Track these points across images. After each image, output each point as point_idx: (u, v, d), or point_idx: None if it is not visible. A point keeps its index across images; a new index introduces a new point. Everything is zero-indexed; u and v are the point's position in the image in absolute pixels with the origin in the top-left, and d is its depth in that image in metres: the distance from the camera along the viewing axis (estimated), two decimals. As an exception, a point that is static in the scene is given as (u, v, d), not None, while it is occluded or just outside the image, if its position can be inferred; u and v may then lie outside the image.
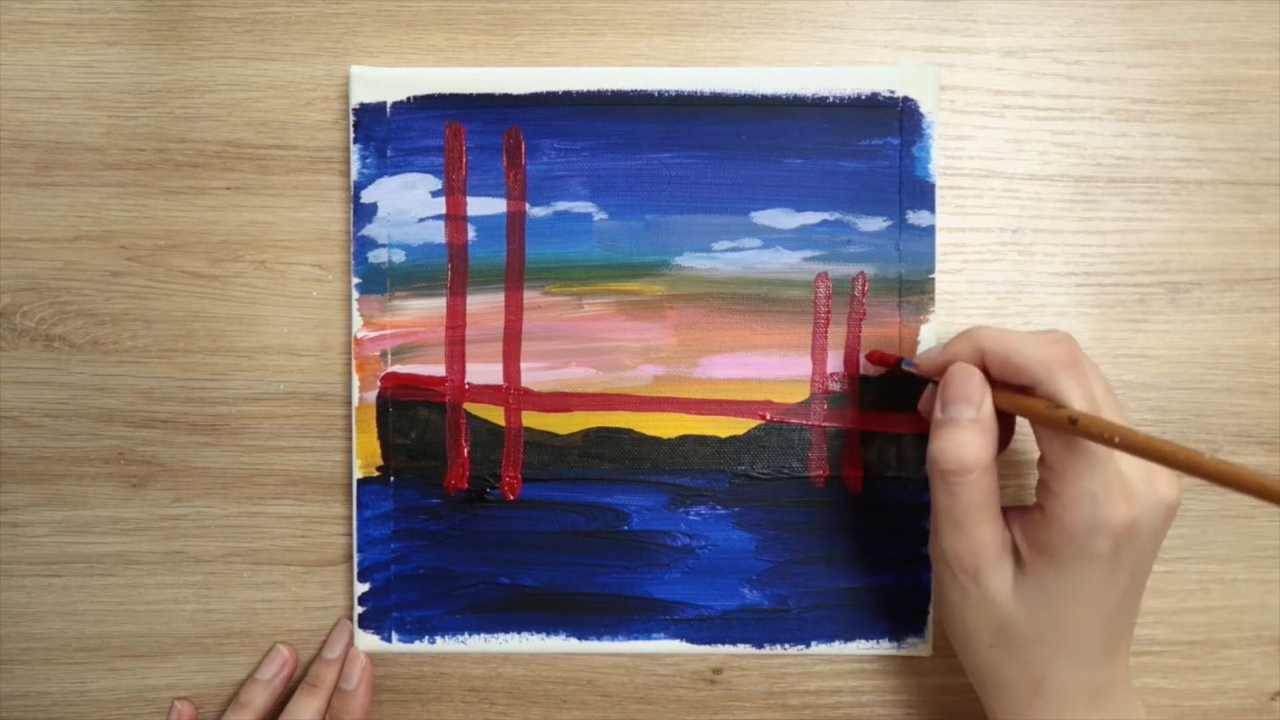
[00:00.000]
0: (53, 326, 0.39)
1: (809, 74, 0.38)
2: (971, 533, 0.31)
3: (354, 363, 0.38)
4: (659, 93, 0.38)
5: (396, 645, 0.38)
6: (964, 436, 0.31)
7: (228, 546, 0.39)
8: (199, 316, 0.39)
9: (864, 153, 0.38)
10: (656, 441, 0.38)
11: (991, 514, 0.31)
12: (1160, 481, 0.30)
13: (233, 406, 0.38)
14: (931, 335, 0.38)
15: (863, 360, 0.38)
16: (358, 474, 0.38)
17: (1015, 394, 0.31)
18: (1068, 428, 0.29)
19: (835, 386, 0.38)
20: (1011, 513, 0.32)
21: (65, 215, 0.38)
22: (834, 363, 0.38)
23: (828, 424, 0.38)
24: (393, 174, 0.38)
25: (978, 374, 0.31)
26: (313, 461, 0.39)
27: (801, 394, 0.38)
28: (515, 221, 0.38)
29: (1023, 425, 0.36)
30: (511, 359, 0.38)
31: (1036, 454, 0.32)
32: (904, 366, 0.35)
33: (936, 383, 0.33)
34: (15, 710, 0.39)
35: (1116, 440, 0.27)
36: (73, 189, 0.38)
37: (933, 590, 0.33)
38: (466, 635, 0.38)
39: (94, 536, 0.39)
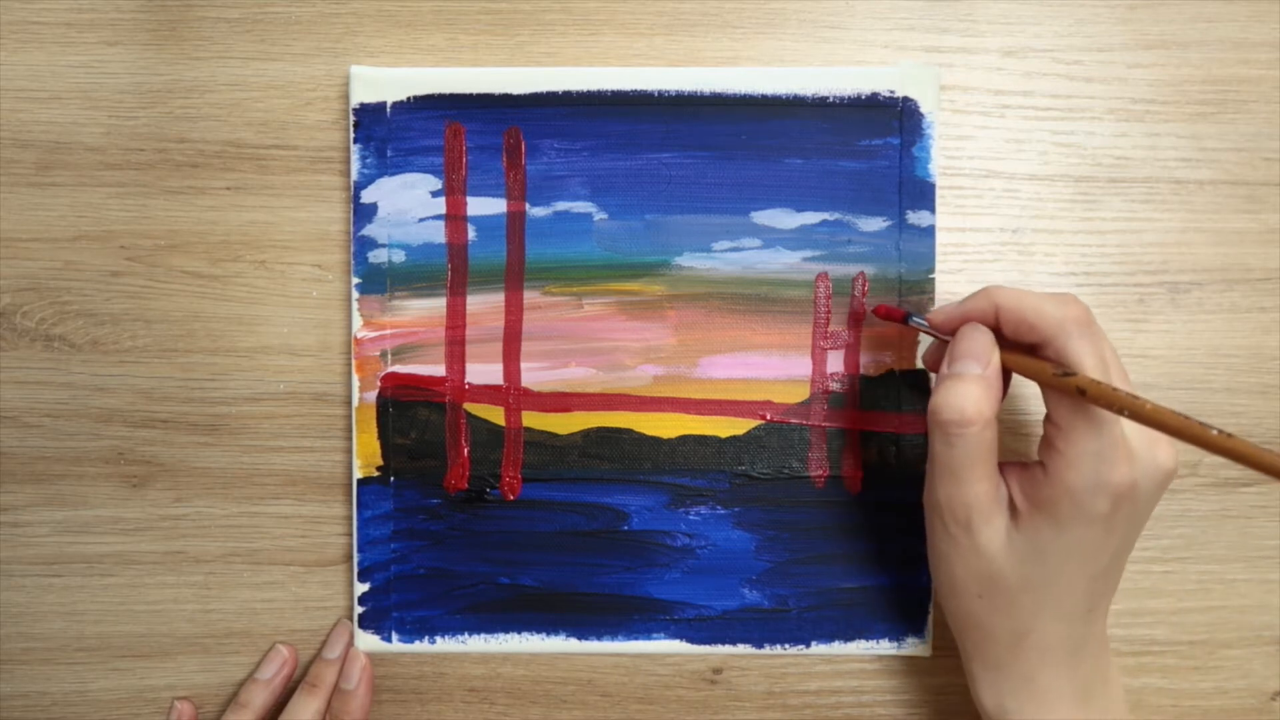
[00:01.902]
0: (53, 326, 0.39)
1: (809, 74, 0.38)
2: (967, 486, 0.31)
3: (354, 363, 0.38)
4: (659, 93, 0.38)
5: (396, 645, 0.38)
6: (968, 389, 0.31)
7: (228, 546, 0.39)
8: (199, 316, 0.39)
9: (864, 153, 0.38)
10: (656, 441, 0.38)
11: (988, 468, 0.31)
12: (1160, 448, 0.31)
13: (233, 406, 0.38)
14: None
15: (863, 360, 0.38)
16: (358, 474, 0.38)
17: (1024, 356, 0.31)
18: (1077, 396, 0.29)
19: (835, 386, 0.38)
20: (1010, 468, 0.32)
21: (65, 215, 0.38)
22: (834, 363, 0.38)
23: (828, 424, 0.38)
24: (393, 174, 0.38)
25: (989, 334, 0.32)
26: (313, 461, 0.39)
27: (801, 394, 0.38)
28: (515, 221, 0.38)
29: (1024, 385, 0.37)
30: (511, 359, 0.38)
31: (1038, 413, 0.32)
32: (912, 322, 0.35)
33: (940, 339, 0.34)
34: (15, 710, 0.39)
35: (1126, 412, 0.28)
36: (73, 189, 0.38)
37: (927, 540, 0.34)
38: (466, 635, 0.38)
39: (94, 536, 0.39)
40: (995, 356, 0.31)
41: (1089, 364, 0.30)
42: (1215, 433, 0.26)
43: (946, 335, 0.33)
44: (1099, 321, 0.38)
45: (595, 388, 0.38)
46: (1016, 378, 0.35)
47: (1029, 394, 0.38)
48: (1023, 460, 0.33)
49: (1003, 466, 0.33)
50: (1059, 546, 0.31)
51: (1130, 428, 0.30)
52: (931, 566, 0.34)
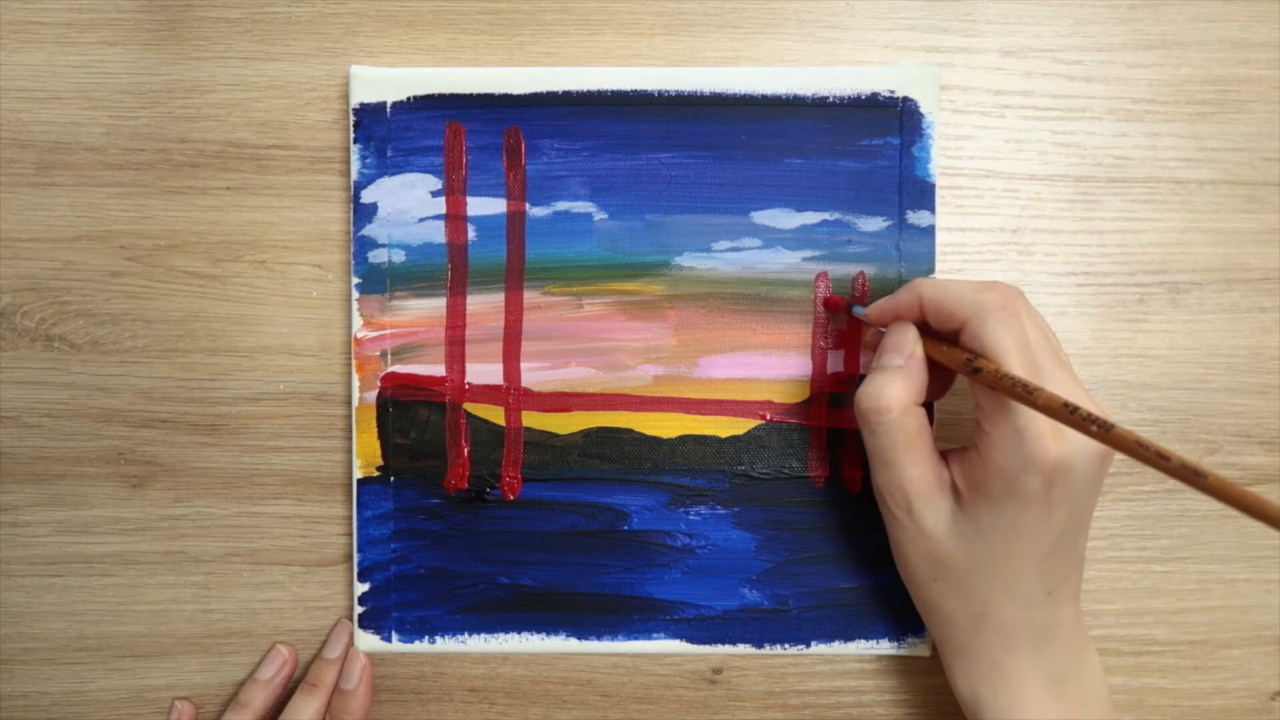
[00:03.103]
0: (53, 326, 0.39)
1: (809, 74, 0.38)
2: (899, 470, 0.32)
3: (354, 363, 0.38)
4: (659, 93, 0.38)
5: (396, 645, 0.38)
6: (886, 379, 0.32)
7: (228, 546, 0.39)
8: (199, 316, 0.39)
9: (864, 153, 0.38)
10: (656, 441, 0.38)
11: (918, 454, 0.32)
12: None
13: (233, 406, 0.38)
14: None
15: (863, 360, 0.38)
16: (358, 474, 0.38)
17: (944, 346, 0.32)
18: (980, 383, 0.30)
19: (835, 386, 0.38)
20: (952, 453, 0.33)
21: (65, 215, 0.38)
22: (834, 363, 0.38)
23: (828, 424, 0.38)
24: (393, 174, 0.38)
25: (911, 328, 0.33)
26: (313, 461, 0.39)
27: (801, 394, 0.38)
28: (515, 221, 0.38)
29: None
30: (511, 359, 0.38)
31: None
32: (854, 311, 0.36)
33: (879, 330, 0.35)
34: (15, 710, 0.39)
35: (1021, 401, 0.29)
36: (73, 189, 0.38)
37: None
38: (466, 635, 0.38)
39: (94, 536, 0.39)
40: (917, 349, 0.33)
41: (1004, 346, 0.30)
42: (1095, 428, 0.27)
43: (881, 328, 0.35)
44: (1099, 319, 0.38)
45: (595, 388, 0.38)
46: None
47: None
48: (964, 446, 0.33)
49: (946, 452, 0.33)
50: (999, 526, 0.31)
51: None
52: (893, 554, 0.35)
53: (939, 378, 0.34)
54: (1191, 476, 0.25)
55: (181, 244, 0.38)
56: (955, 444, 0.34)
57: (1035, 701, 0.32)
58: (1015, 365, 0.30)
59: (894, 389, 0.32)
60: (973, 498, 0.32)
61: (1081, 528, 0.32)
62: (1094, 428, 0.27)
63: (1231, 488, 0.24)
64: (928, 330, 0.33)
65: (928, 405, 0.37)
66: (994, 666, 0.33)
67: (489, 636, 0.38)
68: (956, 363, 0.32)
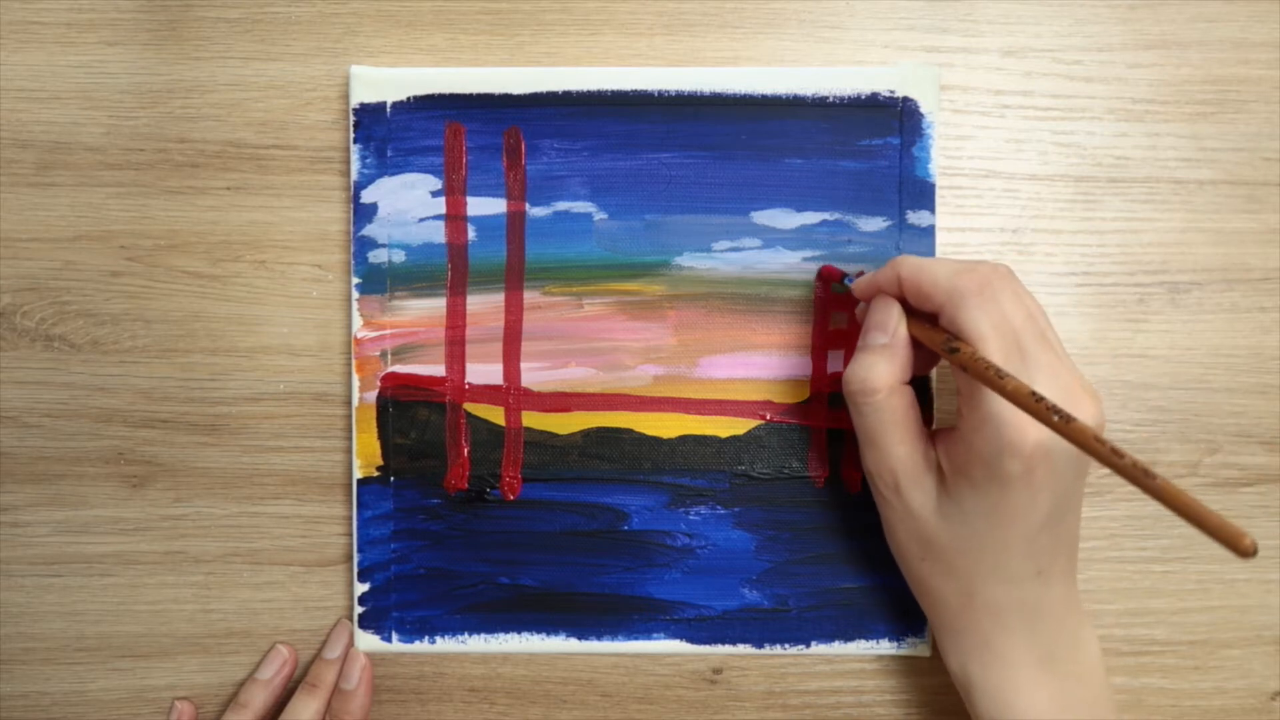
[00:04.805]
0: (53, 326, 0.39)
1: (809, 74, 0.38)
2: (887, 450, 0.32)
3: (354, 363, 0.38)
4: (659, 93, 0.38)
5: (396, 645, 0.38)
6: (872, 359, 0.32)
7: (228, 546, 0.39)
8: (199, 316, 0.39)
9: (864, 153, 0.38)
10: (656, 441, 0.38)
11: (905, 433, 0.32)
12: (1082, 407, 0.30)
13: (233, 406, 0.38)
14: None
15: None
16: (358, 474, 0.38)
17: (927, 326, 0.32)
18: (956, 365, 0.30)
19: (835, 386, 0.38)
20: (939, 434, 0.33)
21: (65, 215, 0.38)
22: (834, 363, 0.38)
23: (828, 424, 0.38)
24: (393, 174, 0.38)
25: (895, 305, 0.33)
26: (313, 461, 0.39)
27: (801, 394, 0.38)
28: (515, 221, 0.38)
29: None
30: (511, 359, 0.38)
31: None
32: (845, 281, 0.36)
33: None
34: (15, 710, 0.39)
35: (991, 386, 0.29)
36: (73, 189, 0.38)
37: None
38: (466, 635, 0.38)
39: (94, 536, 0.39)
40: (901, 327, 0.32)
41: (980, 331, 0.30)
42: (1056, 418, 0.27)
43: (866, 301, 0.34)
44: (1099, 319, 0.38)
45: (595, 388, 0.38)
46: None
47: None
48: (950, 427, 0.33)
49: (934, 433, 0.33)
50: (982, 508, 0.31)
51: (1048, 388, 0.30)
52: (885, 536, 0.35)
53: (925, 352, 0.34)
54: (1141, 477, 0.25)
55: (181, 244, 0.38)
56: (953, 422, 0.34)
57: (1026, 679, 0.32)
58: (993, 351, 0.30)
59: (880, 369, 0.32)
60: (956, 480, 0.32)
61: (1070, 508, 0.32)
62: (1056, 418, 0.27)
63: (1179, 494, 0.24)
64: (912, 307, 0.33)
65: (921, 381, 0.37)
66: (984, 644, 0.33)
67: (489, 636, 0.38)
68: (936, 344, 0.31)
